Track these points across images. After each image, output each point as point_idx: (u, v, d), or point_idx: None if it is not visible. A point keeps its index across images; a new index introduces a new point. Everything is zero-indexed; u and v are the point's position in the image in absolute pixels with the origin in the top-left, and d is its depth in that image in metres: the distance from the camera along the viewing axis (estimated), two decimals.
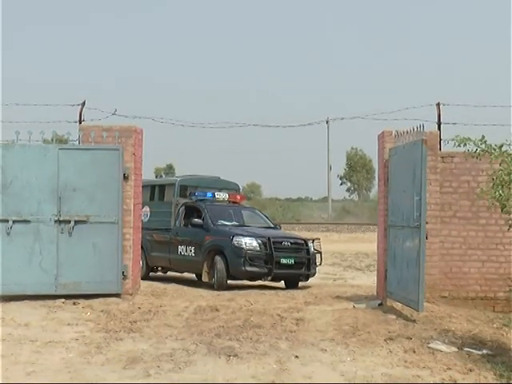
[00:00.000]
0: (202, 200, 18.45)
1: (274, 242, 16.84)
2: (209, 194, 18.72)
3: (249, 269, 16.53)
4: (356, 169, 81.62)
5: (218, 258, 16.73)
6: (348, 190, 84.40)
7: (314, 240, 18.00)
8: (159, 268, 19.38)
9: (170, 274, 19.34)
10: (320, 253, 17.88)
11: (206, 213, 17.82)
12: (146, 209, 19.61)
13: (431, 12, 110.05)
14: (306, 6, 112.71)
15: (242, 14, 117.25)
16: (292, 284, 17.33)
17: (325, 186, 64.89)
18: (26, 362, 8.69)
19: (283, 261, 16.79)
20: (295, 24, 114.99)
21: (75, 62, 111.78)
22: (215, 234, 17.27)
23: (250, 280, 16.99)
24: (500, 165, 9.41)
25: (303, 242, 17.60)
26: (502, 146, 9.32)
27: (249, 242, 16.67)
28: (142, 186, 20.25)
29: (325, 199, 68.47)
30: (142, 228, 18.96)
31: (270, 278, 16.82)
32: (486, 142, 9.39)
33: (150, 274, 19.05)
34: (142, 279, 17.57)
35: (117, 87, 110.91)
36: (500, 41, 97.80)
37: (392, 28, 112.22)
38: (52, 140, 13.51)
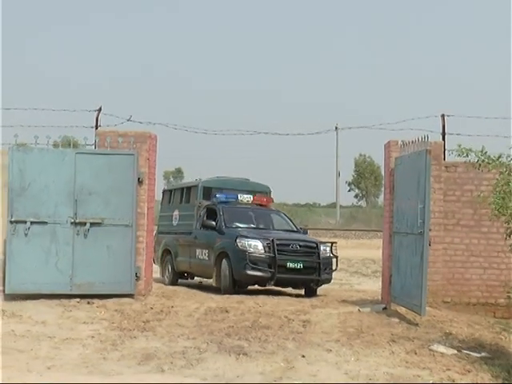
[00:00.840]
0: (224, 202, 17.83)
1: (278, 245, 15.94)
2: (231, 196, 18.08)
3: (250, 272, 15.77)
4: (364, 175, 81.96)
5: (223, 261, 16.25)
6: (356, 196, 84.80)
7: (332, 244, 17.15)
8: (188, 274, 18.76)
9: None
10: (336, 257, 16.98)
11: (221, 215, 17.25)
12: (176, 212, 19.54)
13: (437, 21, 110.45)
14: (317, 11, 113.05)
15: (243, 15, 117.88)
16: (310, 291, 16.50)
17: (333, 192, 65.29)
18: (46, 356, 9.15)
19: (290, 265, 15.91)
20: (300, 27, 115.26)
21: (75, 64, 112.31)
22: (224, 237, 16.65)
23: (258, 285, 16.34)
24: (500, 175, 9.84)
25: (315, 245, 16.54)
26: (499, 157, 9.76)
27: (253, 244, 15.94)
28: (175, 189, 20.13)
29: (333, 205, 68.81)
30: (171, 232, 18.92)
31: (272, 282, 15.98)
32: (486, 153, 9.83)
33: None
34: (170, 285, 17.83)
35: (117, 86, 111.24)
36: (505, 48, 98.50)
37: (398, 36, 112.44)
38: (69, 144, 14.02)
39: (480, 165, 10.00)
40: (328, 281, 16.86)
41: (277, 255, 15.83)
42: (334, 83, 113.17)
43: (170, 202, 20.40)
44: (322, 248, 16.54)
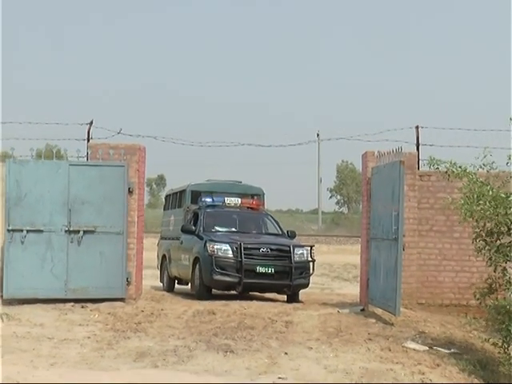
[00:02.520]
0: (210, 206, 17.61)
1: (246, 248, 15.54)
2: (218, 199, 17.77)
3: (217, 277, 15.55)
4: (346, 182, 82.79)
5: (197, 267, 16.14)
6: (338, 202, 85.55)
7: (311, 247, 16.71)
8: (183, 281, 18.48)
9: None
10: (313, 261, 16.42)
11: (202, 219, 17.02)
12: (172, 217, 19.65)
13: (421, 37, 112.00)
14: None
15: (228, 26, 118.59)
16: (291, 298, 16.03)
17: (315, 199, 66.09)
18: (48, 355, 9.84)
19: (260, 269, 15.53)
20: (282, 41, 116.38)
21: (74, 68, 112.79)
22: (201, 241, 16.30)
23: (227, 290, 16.28)
24: (467, 183, 10.65)
25: (288, 248, 15.95)
26: (466, 169, 10.60)
27: (223, 249, 15.65)
28: (172, 194, 20.06)
29: (315, 211, 69.58)
30: (169, 237, 19.04)
31: (240, 288, 15.71)
32: (454, 164, 10.66)
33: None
34: (166, 291, 18.18)
35: (108, 100, 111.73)
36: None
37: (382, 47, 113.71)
38: (64, 158, 14.76)
39: (449, 175, 10.83)
40: (304, 286, 16.36)
41: (243, 259, 15.49)
42: (317, 92, 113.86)
43: (169, 207, 20.64)
44: (297, 251, 16.03)
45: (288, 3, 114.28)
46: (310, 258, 16.43)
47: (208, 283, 15.94)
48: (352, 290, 19.16)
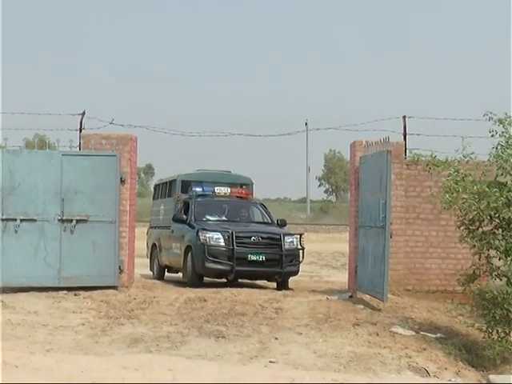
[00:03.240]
0: (201, 195, 17.86)
1: (237, 237, 15.86)
2: (208, 189, 18.03)
3: (209, 265, 15.82)
4: (334, 171, 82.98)
5: (189, 255, 16.38)
6: (326, 191, 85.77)
7: (301, 235, 17.00)
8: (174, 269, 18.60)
9: None
10: (303, 249, 16.76)
11: (193, 208, 17.27)
12: (162, 206, 19.88)
13: (413, 26, 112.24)
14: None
15: (237, 22, 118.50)
16: (281, 285, 16.34)
17: (303, 187, 66.38)
18: (43, 342, 10.11)
19: (251, 257, 15.82)
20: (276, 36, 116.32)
21: (74, 68, 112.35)
22: (192, 230, 16.59)
23: (218, 277, 16.51)
24: (449, 175, 10.91)
25: (278, 236, 16.25)
26: (447, 161, 10.87)
27: (214, 237, 15.93)
28: (162, 184, 20.29)
29: (303, 200, 69.84)
30: (159, 226, 19.29)
31: (232, 275, 16.01)
32: (435, 157, 10.95)
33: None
34: (156, 279, 18.31)
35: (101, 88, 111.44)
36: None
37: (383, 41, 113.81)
38: (53, 147, 14.94)
39: (430, 168, 11.12)
40: (294, 273, 16.70)
41: (235, 247, 15.78)
42: (305, 80, 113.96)
43: (158, 197, 20.89)
44: (287, 240, 16.33)
45: (288, 3, 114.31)
46: (299, 246, 16.75)
47: (200, 271, 16.17)
48: (340, 278, 19.40)
